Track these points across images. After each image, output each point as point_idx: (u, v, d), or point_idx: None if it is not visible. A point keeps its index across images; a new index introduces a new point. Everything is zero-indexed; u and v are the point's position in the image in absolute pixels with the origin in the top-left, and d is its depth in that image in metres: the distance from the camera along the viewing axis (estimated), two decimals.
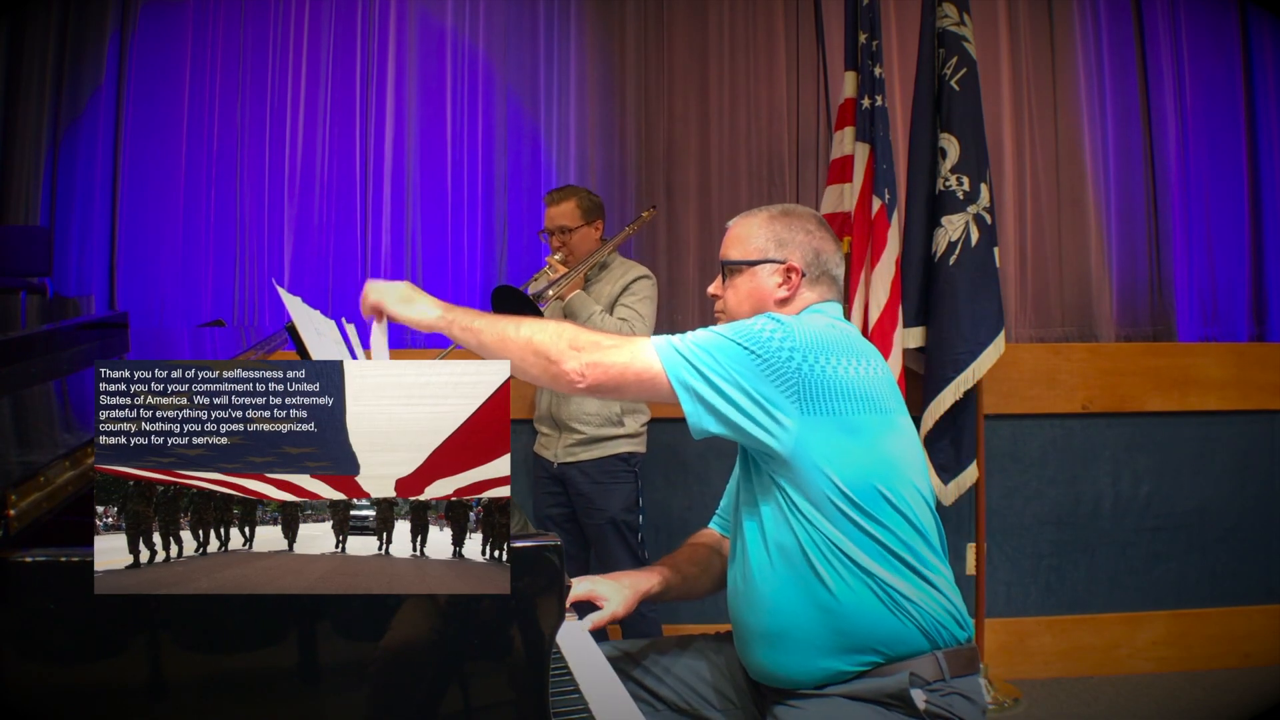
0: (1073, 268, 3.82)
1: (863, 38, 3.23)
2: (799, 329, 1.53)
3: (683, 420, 1.52)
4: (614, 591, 1.72)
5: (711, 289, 1.77)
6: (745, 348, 1.50)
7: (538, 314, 2.78)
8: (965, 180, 3.18)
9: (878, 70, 3.24)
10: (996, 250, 3.24)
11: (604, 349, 1.51)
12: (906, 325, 3.22)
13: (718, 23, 3.80)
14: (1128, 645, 3.58)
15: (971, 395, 3.20)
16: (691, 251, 3.76)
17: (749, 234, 1.72)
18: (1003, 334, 3.20)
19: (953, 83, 3.19)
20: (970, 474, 3.24)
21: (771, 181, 3.76)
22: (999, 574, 3.56)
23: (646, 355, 1.51)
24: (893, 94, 3.64)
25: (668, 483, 3.49)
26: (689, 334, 1.55)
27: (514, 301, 2.77)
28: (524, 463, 3.19)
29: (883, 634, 1.53)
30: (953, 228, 3.17)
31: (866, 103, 3.23)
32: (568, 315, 2.96)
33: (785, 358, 1.50)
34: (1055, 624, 3.58)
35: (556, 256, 3.05)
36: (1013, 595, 3.58)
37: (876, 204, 3.19)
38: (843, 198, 3.27)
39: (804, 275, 1.69)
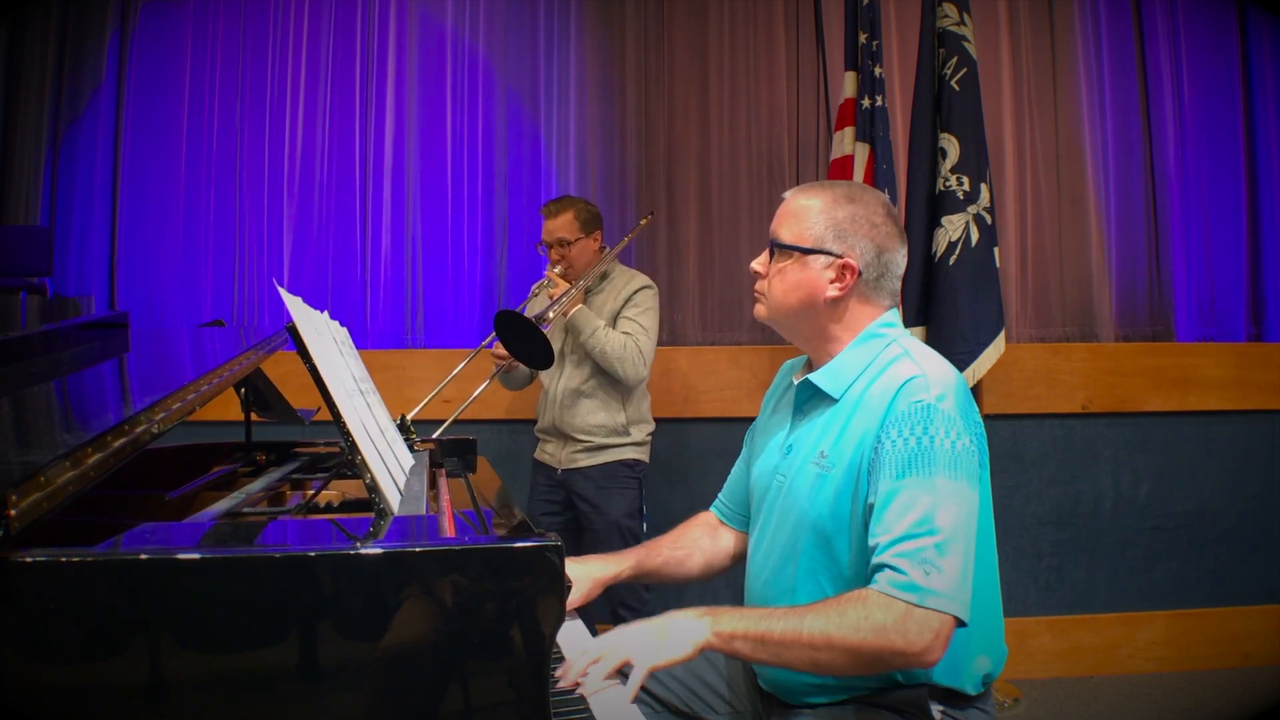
0: (1073, 268, 3.82)
1: (863, 38, 3.23)
2: (963, 416, 1.44)
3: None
4: (575, 581, 1.65)
5: (756, 264, 1.59)
6: (971, 489, 1.44)
7: (542, 337, 2.68)
8: (965, 180, 3.18)
9: (878, 70, 3.24)
10: (996, 250, 3.24)
11: (914, 617, 1.33)
12: (907, 325, 3.21)
13: (718, 23, 3.80)
14: (1128, 645, 3.58)
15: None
16: (691, 252, 3.76)
17: (807, 216, 1.53)
18: (1003, 334, 3.20)
19: (953, 83, 3.19)
20: None
21: (771, 181, 3.76)
22: (999, 574, 3.55)
23: (936, 607, 1.35)
24: (893, 94, 3.64)
25: (668, 484, 3.48)
26: (917, 534, 1.37)
27: (516, 325, 2.69)
28: (505, 463, 3.16)
29: (926, 670, 1.49)
30: (953, 228, 3.17)
31: (866, 103, 3.23)
32: (570, 331, 2.94)
33: (980, 462, 1.46)
34: (1055, 624, 3.58)
35: (556, 270, 3.00)
36: (1013, 595, 3.58)
37: None
38: None
39: (861, 276, 1.52)
